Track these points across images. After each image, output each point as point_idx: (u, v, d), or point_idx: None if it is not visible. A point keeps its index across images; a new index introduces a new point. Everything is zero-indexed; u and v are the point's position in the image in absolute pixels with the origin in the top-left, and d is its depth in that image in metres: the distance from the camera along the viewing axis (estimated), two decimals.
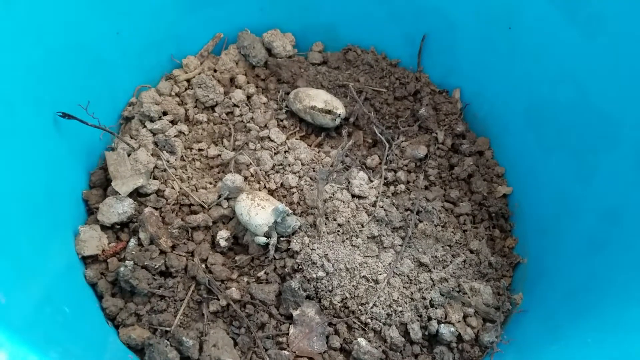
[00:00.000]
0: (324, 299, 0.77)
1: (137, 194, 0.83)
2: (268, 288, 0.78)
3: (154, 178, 0.85)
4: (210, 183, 0.87)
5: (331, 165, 0.88)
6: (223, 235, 0.81)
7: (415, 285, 0.79)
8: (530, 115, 0.88)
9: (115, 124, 0.91)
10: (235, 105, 0.95)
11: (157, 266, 0.77)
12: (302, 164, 0.89)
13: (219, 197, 0.84)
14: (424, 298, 0.78)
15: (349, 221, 0.82)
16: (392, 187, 0.88)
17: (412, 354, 0.76)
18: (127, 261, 0.76)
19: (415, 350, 0.76)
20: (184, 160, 0.89)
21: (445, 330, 0.76)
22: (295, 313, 0.77)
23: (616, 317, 0.64)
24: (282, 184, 0.87)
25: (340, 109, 0.93)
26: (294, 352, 0.75)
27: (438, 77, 1.02)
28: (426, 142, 0.94)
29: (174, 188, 0.85)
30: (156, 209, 0.82)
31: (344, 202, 0.83)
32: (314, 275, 0.77)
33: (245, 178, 0.87)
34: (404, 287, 0.79)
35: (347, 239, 0.81)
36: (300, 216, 0.83)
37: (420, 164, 0.92)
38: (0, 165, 0.62)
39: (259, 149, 0.90)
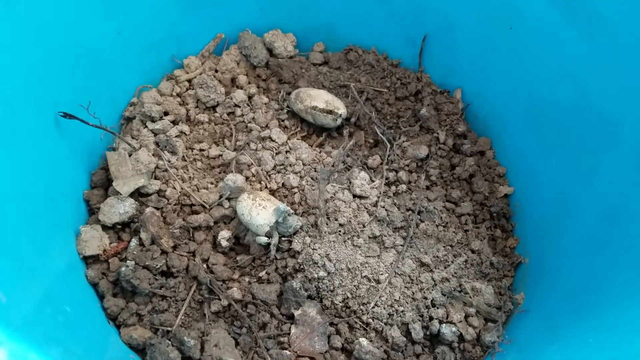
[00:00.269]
0: (325, 298, 0.77)
1: (138, 194, 0.83)
2: (269, 288, 0.78)
3: (155, 178, 0.85)
4: (212, 183, 0.87)
5: (332, 165, 0.88)
6: (224, 235, 0.81)
7: (417, 285, 0.79)
8: (530, 115, 0.88)
9: (116, 124, 0.91)
10: (236, 105, 0.95)
11: (158, 266, 0.77)
12: (304, 164, 0.89)
13: (220, 197, 0.84)
14: (426, 298, 0.78)
15: (350, 221, 0.82)
16: (393, 187, 0.88)
17: (414, 353, 0.76)
18: (128, 261, 0.76)
19: (416, 350, 0.76)
20: (185, 161, 0.89)
21: (447, 330, 0.76)
22: (296, 313, 0.77)
23: (616, 317, 0.64)
24: (283, 184, 0.87)
25: (341, 109, 0.93)
26: (296, 352, 0.75)
27: (439, 78, 1.02)
28: (427, 142, 0.94)
29: (175, 188, 0.85)
30: (157, 209, 0.82)
31: (345, 202, 0.83)
32: (316, 275, 0.77)
33: (247, 178, 0.87)
34: (405, 287, 0.79)
35: (348, 239, 0.81)
36: (301, 216, 0.83)
37: (421, 164, 0.92)
38: (1, 165, 0.62)
39: (260, 149, 0.90)
